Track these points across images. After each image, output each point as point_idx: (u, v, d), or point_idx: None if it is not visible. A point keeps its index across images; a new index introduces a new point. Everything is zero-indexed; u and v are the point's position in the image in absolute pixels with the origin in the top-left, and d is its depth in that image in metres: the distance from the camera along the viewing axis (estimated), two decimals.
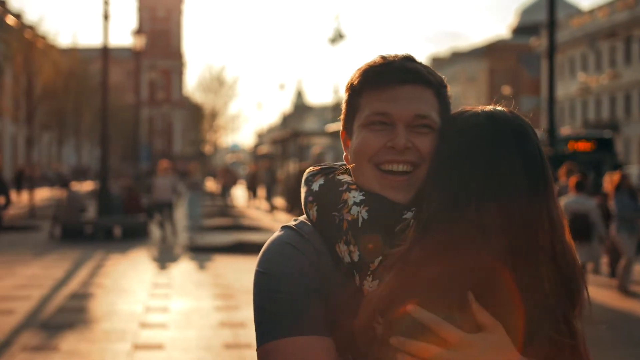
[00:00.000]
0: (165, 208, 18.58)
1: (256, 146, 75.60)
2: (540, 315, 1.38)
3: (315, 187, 1.54)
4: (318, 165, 1.63)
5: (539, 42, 56.83)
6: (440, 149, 1.49)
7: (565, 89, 56.23)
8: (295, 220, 1.58)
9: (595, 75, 52.80)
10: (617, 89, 50.60)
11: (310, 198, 1.53)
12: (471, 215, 1.39)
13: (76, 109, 42.90)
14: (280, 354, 1.43)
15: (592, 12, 53.61)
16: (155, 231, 19.85)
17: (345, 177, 1.55)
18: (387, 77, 1.53)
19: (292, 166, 32.11)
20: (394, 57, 1.58)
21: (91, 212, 21.71)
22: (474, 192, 1.40)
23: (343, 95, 1.62)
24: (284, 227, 1.56)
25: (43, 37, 37.13)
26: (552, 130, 18.66)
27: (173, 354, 7.60)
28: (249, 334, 8.43)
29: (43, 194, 38.78)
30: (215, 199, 38.31)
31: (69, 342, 7.95)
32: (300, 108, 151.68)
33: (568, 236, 1.47)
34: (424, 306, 1.35)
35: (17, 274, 12.74)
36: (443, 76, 1.60)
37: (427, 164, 1.49)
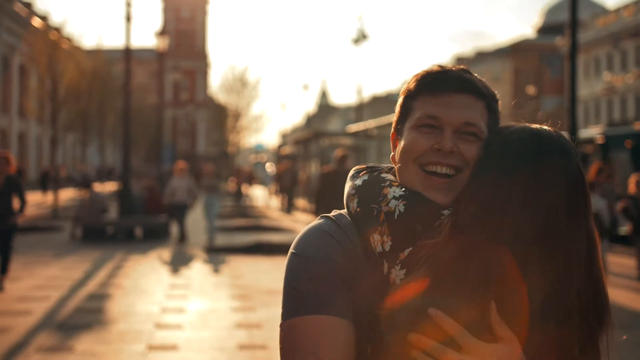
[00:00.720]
0: (180, 210, 18.15)
1: (280, 146, 75.75)
2: (563, 332, 1.40)
3: (359, 182, 1.63)
4: (365, 164, 1.72)
5: (564, 42, 56.31)
6: (484, 158, 1.54)
7: (590, 89, 55.67)
8: (335, 211, 1.66)
9: (620, 74, 52.21)
10: None
11: (353, 191, 1.62)
12: (508, 223, 1.42)
13: (100, 110, 43.28)
14: (303, 329, 1.50)
15: (617, 11, 53.00)
16: (175, 232, 19.95)
17: (389, 176, 1.63)
18: (442, 83, 1.61)
19: (314, 167, 32.12)
20: (451, 67, 1.66)
21: (113, 212, 21.87)
22: (514, 204, 1.43)
23: (398, 99, 1.70)
24: (323, 217, 1.64)
25: (68, 39, 37.55)
26: (573, 130, 18.51)
27: (187, 354, 7.60)
28: (264, 335, 8.42)
29: (67, 195, 39.17)
30: (235, 200, 38.46)
31: (84, 343, 7.98)
32: (324, 108, 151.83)
33: (600, 260, 1.49)
34: (449, 304, 1.39)
35: (37, 274, 12.85)
36: (496, 92, 1.67)
37: (470, 170, 1.55)
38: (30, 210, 28.51)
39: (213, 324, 9.03)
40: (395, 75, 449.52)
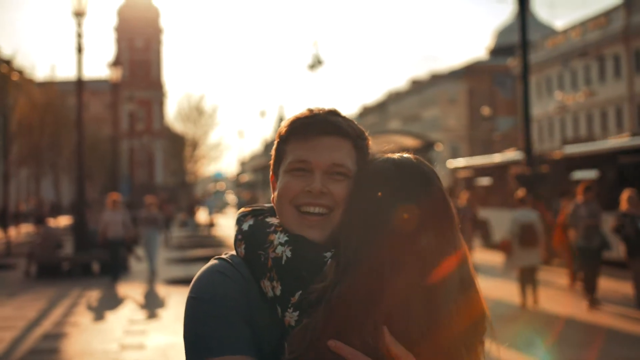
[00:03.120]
0: (115, 246, 16.68)
1: (239, 174, 75.51)
2: (450, 343, 1.51)
3: (245, 227, 1.69)
4: (250, 207, 1.79)
5: (516, 63, 57.28)
6: (353, 194, 1.64)
7: (543, 108, 56.61)
8: (226, 254, 1.71)
9: (571, 93, 53.21)
10: (594, 106, 50.96)
11: (240, 237, 1.68)
12: (385, 255, 1.51)
13: (54, 143, 42.57)
14: None
15: (565, 32, 54.12)
16: (134, 265, 19.58)
17: (274, 220, 1.70)
18: (310, 128, 1.70)
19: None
20: (319, 110, 1.75)
21: (68, 247, 21.39)
22: (387, 233, 1.52)
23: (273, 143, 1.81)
24: (216, 258, 1.70)
25: (19, 71, 36.93)
26: (528, 149, 18.68)
27: None
28: None
29: (21, 231, 38.32)
30: (203, 230, 38.05)
31: None
32: None
33: (473, 272, 1.62)
34: (349, 338, 1.46)
35: None
36: (364, 129, 1.78)
37: (341, 207, 1.65)
38: None
39: (175, 359, 8.79)
40: (351, 100, 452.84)
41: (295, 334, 1.52)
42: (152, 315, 12.20)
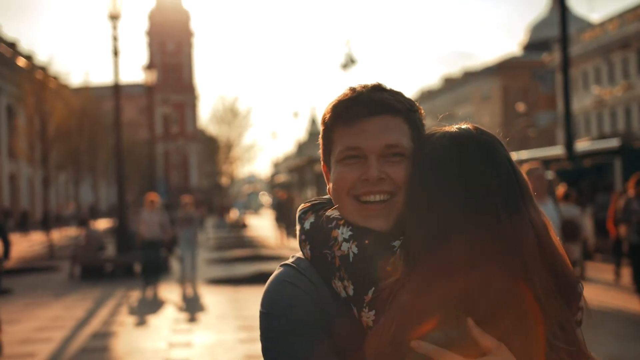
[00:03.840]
0: (152, 248, 16.01)
1: (273, 175, 75.73)
2: (543, 327, 1.41)
3: (307, 225, 1.60)
4: (309, 202, 1.70)
5: (551, 58, 56.67)
6: (412, 176, 1.53)
7: (580, 103, 55.90)
8: (292, 257, 1.62)
9: (609, 87, 52.45)
10: (632, 100, 50.20)
11: (303, 237, 1.59)
12: (459, 242, 1.41)
13: (91, 148, 43.03)
14: None
15: (602, 24, 53.34)
16: (175, 266, 19.70)
17: (335, 213, 1.60)
18: (355, 111, 1.58)
19: (309, 194, 31.97)
20: (362, 88, 1.63)
21: (110, 249, 21.61)
22: (457, 219, 1.43)
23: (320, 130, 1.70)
24: (282, 265, 1.61)
25: (55, 77, 37.41)
26: (570, 144, 18.43)
27: None
28: None
29: (64, 234, 38.84)
30: (235, 231, 38.22)
31: None
32: (315, 135, 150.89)
33: (556, 240, 1.50)
34: (427, 333, 1.38)
35: (38, 316, 12.58)
36: (415, 100, 1.65)
37: (403, 190, 1.55)
38: (28, 251, 28.25)
39: (221, 357, 8.81)
40: None
41: (372, 335, 1.45)
42: (196, 314, 12.25)
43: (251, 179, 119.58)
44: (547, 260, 1.45)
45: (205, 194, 64.52)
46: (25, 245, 32.55)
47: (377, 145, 1.55)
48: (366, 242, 1.50)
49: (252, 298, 13.79)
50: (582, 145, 20.38)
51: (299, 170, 35.57)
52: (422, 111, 1.66)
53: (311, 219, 1.61)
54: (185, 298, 14.23)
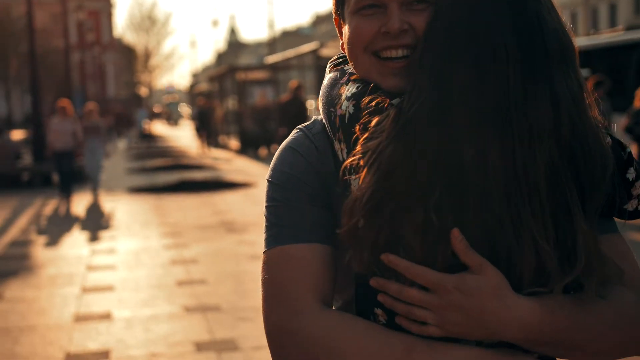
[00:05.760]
0: (64, 158, 14.81)
1: (192, 85, 74.38)
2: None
3: (325, 80, 1.46)
4: (337, 55, 1.52)
5: None
6: (428, 27, 1.30)
7: None
8: (314, 117, 1.49)
9: None
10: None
11: (320, 93, 1.45)
12: (456, 107, 1.21)
13: (2, 55, 41.21)
14: (274, 262, 1.37)
15: None
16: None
17: (352, 68, 1.43)
18: None
19: (231, 103, 31.59)
20: None
21: (27, 159, 21.02)
22: (459, 90, 1.21)
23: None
24: (298, 127, 1.48)
25: None
26: None
27: (124, 294, 7.38)
28: (201, 270, 8.25)
29: None
30: (154, 141, 37.65)
31: (13, 290, 7.65)
32: (235, 45, 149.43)
33: (590, 119, 1.26)
34: (400, 224, 1.21)
35: None
36: None
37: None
38: None
39: (147, 263, 8.80)
40: (305, 8, 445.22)
41: (344, 210, 1.28)
42: (118, 222, 12.13)
43: (170, 90, 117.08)
44: (565, 140, 1.22)
45: (124, 104, 62.97)
46: None
47: None
48: (364, 100, 1.33)
49: (175, 205, 13.73)
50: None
51: (220, 79, 34.98)
52: None
53: (331, 73, 1.46)
54: (103, 207, 14.03)
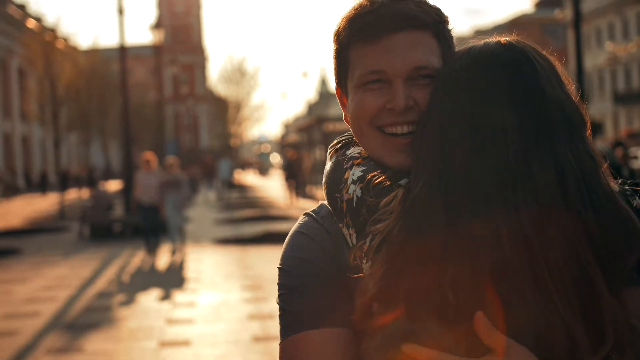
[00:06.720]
0: (150, 212, 14.63)
1: (283, 136, 75.61)
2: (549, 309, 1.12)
3: (328, 166, 1.43)
4: (337, 138, 1.50)
5: (563, 14, 55.82)
6: (429, 103, 1.30)
7: (593, 60, 55.20)
8: (319, 203, 1.46)
9: (623, 43, 51.70)
10: None
11: (324, 180, 1.42)
12: (458, 180, 1.18)
13: (100, 109, 43.05)
14: (291, 350, 1.34)
15: None
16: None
17: (354, 151, 1.40)
18: (376, 26, 1.34)
19: (318, 154, 31.82)
20: None
21: (119, 210, 21.68)
22: (460, 164, 1.18)
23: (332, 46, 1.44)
24: (304, 214, 1.46)
25: (63, 39, 37.28)
26: (581, 100, 18.16)
27: (200, 349, 7.39)
28: (277, 326, 8.18)
29: (74, 195, 39.00)
30: (244, 191, 38.22)
31: (95, 342, 7.78)
32: (325, 95, 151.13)
33: (605, 182, 1.19)
34: (416, 306, 1.16)
35: (45, 275, 12.64)
36: (438, 7, 1.40)
37: None
38: (41, 211, 28.41)
39: (225, 317, 8.81)
40: None
41: (356, 295, 1.24)
42: (201, 274, 12.27)
43: (261, 140, 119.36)
44: (577, 213, 1.15)
45: (216, 154, 64.51)
46: (42, 205, 32.78)
47: (404, 68, 1.32)
48: (372, 183, 1.30)
49: (259, 258, 13.80)
50: None
51: (308, 130, 35.40)
52: (449, 21, 1.41)
53: (333, 159, 1.43)
54: (189, 259, 14.23)
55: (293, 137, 53.18)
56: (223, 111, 61.96)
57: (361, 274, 1.27)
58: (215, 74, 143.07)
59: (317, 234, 1.38)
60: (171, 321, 8.68)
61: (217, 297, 10.06)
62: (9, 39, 50.88)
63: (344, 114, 1.47)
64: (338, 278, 1.33)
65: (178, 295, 10.32)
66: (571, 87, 1.26)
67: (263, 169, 74.41)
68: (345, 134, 1.49)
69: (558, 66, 1.27)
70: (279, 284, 1.38)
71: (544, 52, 1.29)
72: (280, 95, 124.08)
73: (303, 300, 1.33)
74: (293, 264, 1.37)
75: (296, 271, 1.35)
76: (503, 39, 1.28)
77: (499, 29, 73.18)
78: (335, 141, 1.49)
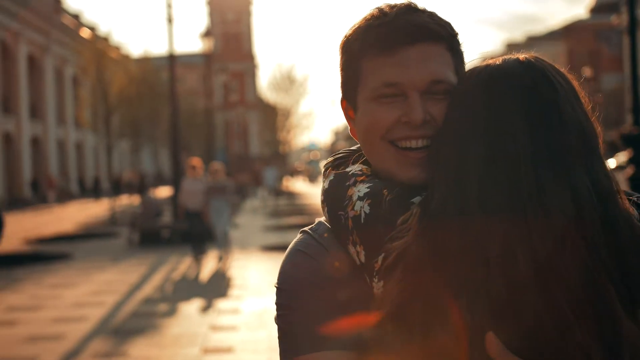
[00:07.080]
0: (195, 219, 14.76)
1: (333, 143, 75.65)
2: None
3: (326, 184, 1.38)
4: (332, 156, 1.46)
5: (619, 20, 54.77)
6: (445, 119, 1.26)
7: None
8: (316, 221, 1.41)
9: None
10: None
11: (322, 197, 1.38)
12: (472, 201, 1.15)
13: (151, 116, 43.66)
14: None
15: None
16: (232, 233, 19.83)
17: (356, 168, 1.36)
18: (391, 38, 1.30)
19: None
20: (394, 8, 1.33)
21: (168, 216, 21.90)
22: (473, 178, 1.16)
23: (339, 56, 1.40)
24: (301, 231, 1.40)
25: (116, 48, 37.95)
26: (636, 108, 17.74)
27: (242, 356, 7.37)
28: None
29: (130, 201, 39.61)
30: (292, 199, 38.32)
31: (139, 348, 7.82)
32: None
33: (621, 207, 1.16)
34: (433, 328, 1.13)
35: (93, 280, 12.81)
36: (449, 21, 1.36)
37: None
38: (93, 217, 28.92)
39: (269, 324, 8.78)
40: None
41: (373, 309, 1.22)
42: (246, 281, 12.28)
43: (311, 147, 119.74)
44: (593, 234, 1.12)
45: (265, 161, 64.93)
46: (94, 210, 33.38)
47: (421, 81, 1.28)
48: (382, 199, 1.26)
49: None
50: None
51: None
52: (459, 36, 1.38)
53: (331, 176, 1.38)
54: (234, 265, 14.27)
55: (342, 144, 53.15)
56: (272, 118, 62.35)
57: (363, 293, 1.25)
58: (264, 81, 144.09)
59: (317, 252, 1.32)
60: (215, 328, 8.69)
61: (261, 305, 10.04)
62: (63, 48, 52.00)
63: (349, 127, 1.43)
64: (339, 296, 1.28)
65: (222, 302, 10.33)
66: (588, 106, 1.24)
67: (312, 176, 74.54)
68: (340, 152, 1.46)
69: (576, 84, 1.25)
70: (277, 304, 1.33)
71: (562, 70, 1.26)
72: (330, 103, 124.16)
73: (304, 322, 1.28)
74: (292, 283, 1.31)
75: (296, 291, 1.30)
76: (522, 56, 1.24)
77: (553, 35, 72.14)
78: (330, 158, 1.45)
